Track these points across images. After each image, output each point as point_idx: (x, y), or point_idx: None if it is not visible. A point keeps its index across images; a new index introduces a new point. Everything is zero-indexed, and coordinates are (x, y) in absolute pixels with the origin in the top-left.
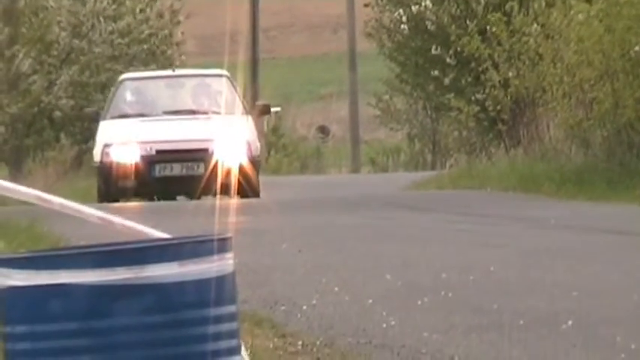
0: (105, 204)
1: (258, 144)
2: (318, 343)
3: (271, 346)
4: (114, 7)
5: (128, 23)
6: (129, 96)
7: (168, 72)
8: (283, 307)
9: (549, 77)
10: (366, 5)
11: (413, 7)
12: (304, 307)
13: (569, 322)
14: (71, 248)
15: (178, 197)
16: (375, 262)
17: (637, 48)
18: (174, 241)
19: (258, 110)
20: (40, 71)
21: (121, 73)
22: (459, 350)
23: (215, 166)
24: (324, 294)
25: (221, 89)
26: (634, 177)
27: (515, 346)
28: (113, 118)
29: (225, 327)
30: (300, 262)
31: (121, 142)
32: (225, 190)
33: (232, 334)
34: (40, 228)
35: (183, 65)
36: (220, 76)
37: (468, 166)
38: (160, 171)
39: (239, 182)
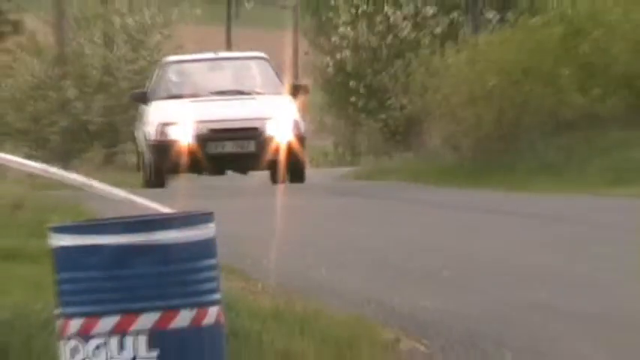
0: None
1: (303, 122)
2: (273, 285)
3: (240, 286)
4: (132, 53)
5: (142, 66)
6: (175, 77)
7: (210, 54)
8: (250, 261)
9: (432, 103)
10: (306, 53)
11: (337, 55)
12: (264, 262)
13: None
14: (103, 220)
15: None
16: (320, 234)
17: (491, 83)
18: (174, 215)
19: (298, 90)
20: (81, 98)
21: None
22: (372, 289)
23: (265, 143)
24: (282, 254)
25: (261, 71)
26: (492, 172)
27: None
28: (163, 98)
29: (209, 273)
30: (267, 233)
31: (177, 121)
32: (274, 166)
33: (214, 279)
34: (82, 206)
35: None
36: (260, 58)
37: (376, 164)
38: (213, 148)
39: (287, 159)
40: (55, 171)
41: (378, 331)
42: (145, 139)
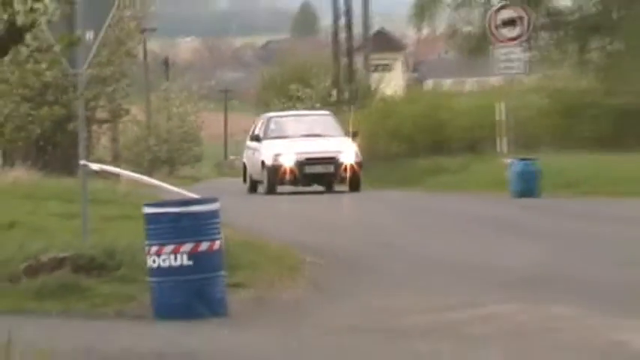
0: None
1: (359, 154)
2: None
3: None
4: (180, 123)
5: (185, 131)
6: (275, 126)
7: (295, 112)
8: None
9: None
10: None
11: None
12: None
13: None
14: (163, 201)
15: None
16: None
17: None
18: (197, 198)
19: (354, 134)
20: (157, 144)
21: None
22: (296, 235)
23: (340, 167)
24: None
25: (327, 122)
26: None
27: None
28: (271, 138)
29: (216, 225)
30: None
31: (284, 152)
32: (344, 181)
33: (218, 228)
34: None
35: None
36: (327, 115)
37: None
38: (307, 170)
39: (351, 177)
40: (139, 176)
41: (296, 253)
42: (262, 164)
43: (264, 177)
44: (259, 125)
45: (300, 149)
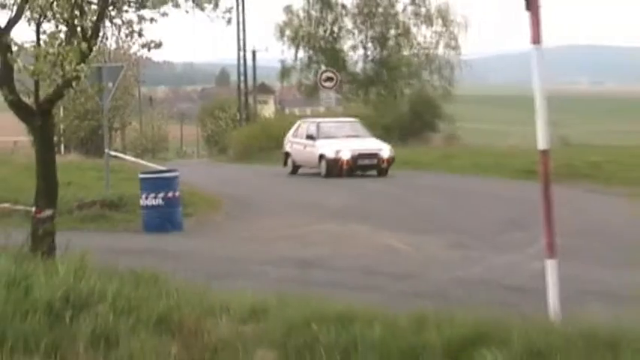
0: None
1: (392, 150)
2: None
3: (184, 187)
4: None
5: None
6: (324, 129)
7: (333, 118)
8: (190, 182)
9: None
10: None
11: None
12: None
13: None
14: (148, 171)
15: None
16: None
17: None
18: (166, 169)
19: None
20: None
21: None
22: (219, 189)
23: (380, 160)
24: (200, 181)
25: (358, 126)
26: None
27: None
28: (323, 138)
29: (176, 185)
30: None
31: (342, 149)
32: (382, 170)
33: (177, 185)
34: (144, 168)
35: None
36: (356, 121)
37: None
38: (360, 161)
39: (387, 166)
40: (135, 159)
41: (219, 198)
42: (321, 157)
43: (323, 167)
44: (306, 127)
45: (352, 147)
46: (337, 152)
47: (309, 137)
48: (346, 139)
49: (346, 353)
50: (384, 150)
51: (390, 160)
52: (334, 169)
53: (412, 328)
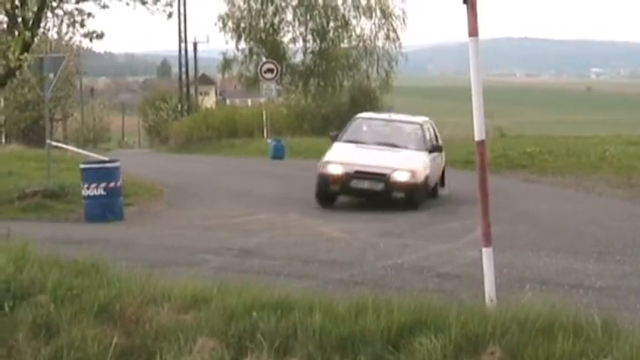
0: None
1: (425, 172)
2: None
3: (125, 177)
4: None
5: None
6: (357, 128)
7: (386, 115)
8: (130, 172)
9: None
10: None
11: None
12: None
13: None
14: (90, 161)
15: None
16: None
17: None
18: (107, 159)
19: (435, 149)
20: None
21: None
22: (170, 181)
23: (388, 184)
24: (140, 171)
25: (413, 132)
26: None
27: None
28: (343, 142)
29: (118, 175)
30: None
31: (334, 161)
32: (392, 200)
33: (118, 176)
34: (85, 159)
35: None
36: (417, 123)
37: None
38: (354, 184)
39: (404, 196)
40: (77, 150)
41: (159, 187)
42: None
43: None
44: (347, 125)
45: (353, 160)
46: (326, 164)
47: (332, 138)
48: (376, 148)
49: (286, 340)
50: (401, 170)
51: (412, 187)
52: (323, 187)
53: (351, 315)
